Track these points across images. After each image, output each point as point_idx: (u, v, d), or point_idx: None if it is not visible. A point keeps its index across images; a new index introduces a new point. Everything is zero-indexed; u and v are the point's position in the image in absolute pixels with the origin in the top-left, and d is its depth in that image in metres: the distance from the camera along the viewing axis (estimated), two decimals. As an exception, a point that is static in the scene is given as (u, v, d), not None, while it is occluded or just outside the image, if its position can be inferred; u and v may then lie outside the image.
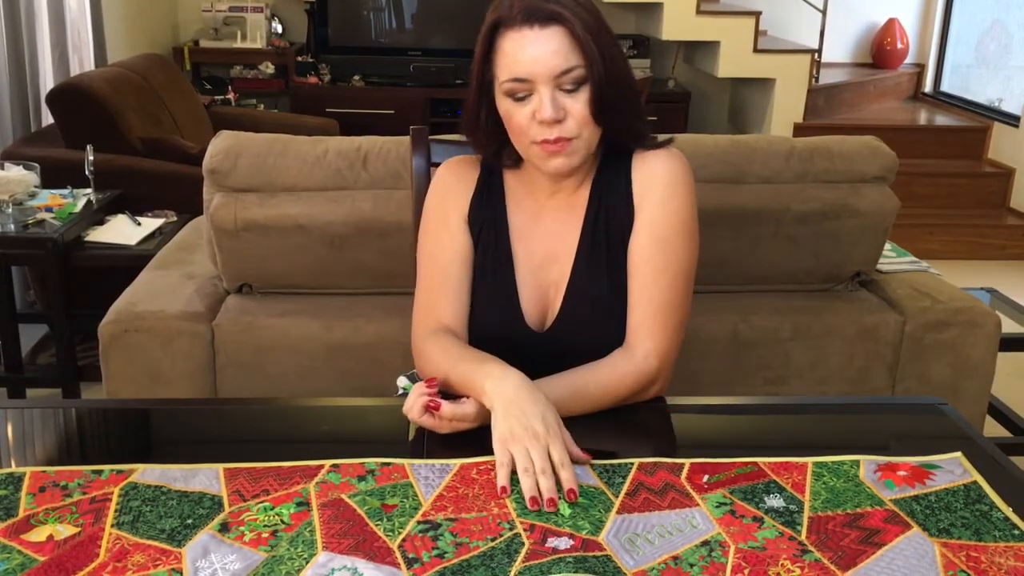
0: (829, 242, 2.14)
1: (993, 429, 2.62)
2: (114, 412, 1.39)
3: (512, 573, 0.93)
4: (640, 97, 1.34)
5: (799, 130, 4.90)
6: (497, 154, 1.37)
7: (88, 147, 2.94)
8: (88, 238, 2.83)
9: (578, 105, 1.22)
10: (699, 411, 1.39)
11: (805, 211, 2.10)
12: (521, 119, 1.23)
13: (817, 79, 5.11)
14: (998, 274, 4.20)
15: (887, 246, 2.39)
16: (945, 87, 5.88)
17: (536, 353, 1.35)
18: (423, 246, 1.40)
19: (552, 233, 1.36)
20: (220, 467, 1.13)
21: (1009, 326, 2.52)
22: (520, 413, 1.12)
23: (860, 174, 2.13)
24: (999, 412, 2.67)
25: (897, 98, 5.91)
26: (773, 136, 2.30)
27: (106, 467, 1.13)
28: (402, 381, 1.68)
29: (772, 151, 2.13)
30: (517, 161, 1.36)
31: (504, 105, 1.25)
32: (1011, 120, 5.00)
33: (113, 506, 1.05)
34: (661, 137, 1.39)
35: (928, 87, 5.95)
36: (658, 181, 1.32)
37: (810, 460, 1.16)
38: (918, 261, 2.42)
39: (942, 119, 5.46)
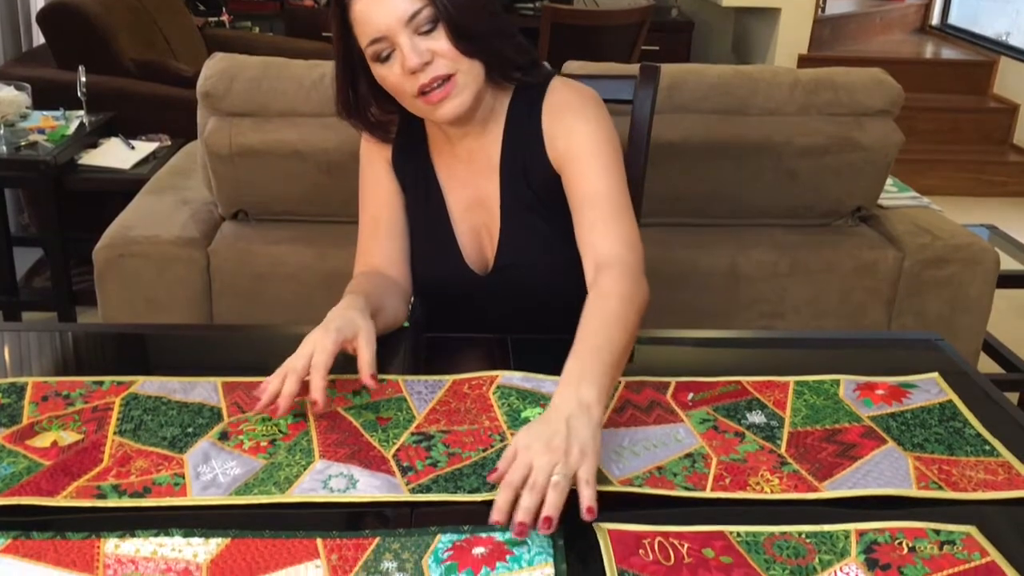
0: (831, 176, 2.12)
1: (987, 366, 2.63)
2: (111, 336, 1.39)
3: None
4: (508, 21, 1.30)
5: (803, 62, 4.83)
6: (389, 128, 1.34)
7: (80, 68, 2.89)
8: (81, 161, 2.80)
9: (440, 43, 1.18)
10: (694, 344, 1.39)
11: (807, 144, 2.08)
12: (395, 78, 1.20)
13: (823, 9, 5.02)
14: (999, 211, 4.18)
15: (889, 181, 2.37)
16: (953, 20, 5.79)
17: (485, 296, 1.37)
18: (359, 194, 1.40)
19: (474, 177, 1.34)
20: (218, 380, 1.16)
21: (1008, 263, 2.51)
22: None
23: (864, 107, 2.10)
24: (993, 349, 2.68)
25: (903, 31, 5.82)
26: (777, 67, 2.26)
27: (107, 378, 1.16)
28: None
29: (776, 83, 2.09)
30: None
31: (378, 72, 1.22)
32: (1018, 55, 4.93)
33: (115, 415, 1.09)
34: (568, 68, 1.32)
35: (936, 19, 5.86)
36: (566, 117, 1.28)
37: (792, 379, 1.20)
38: (919, 197, 2.41)
39: (948, 52, 5.39)
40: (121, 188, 2.60)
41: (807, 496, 0.98)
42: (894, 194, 2.39)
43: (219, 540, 0.89)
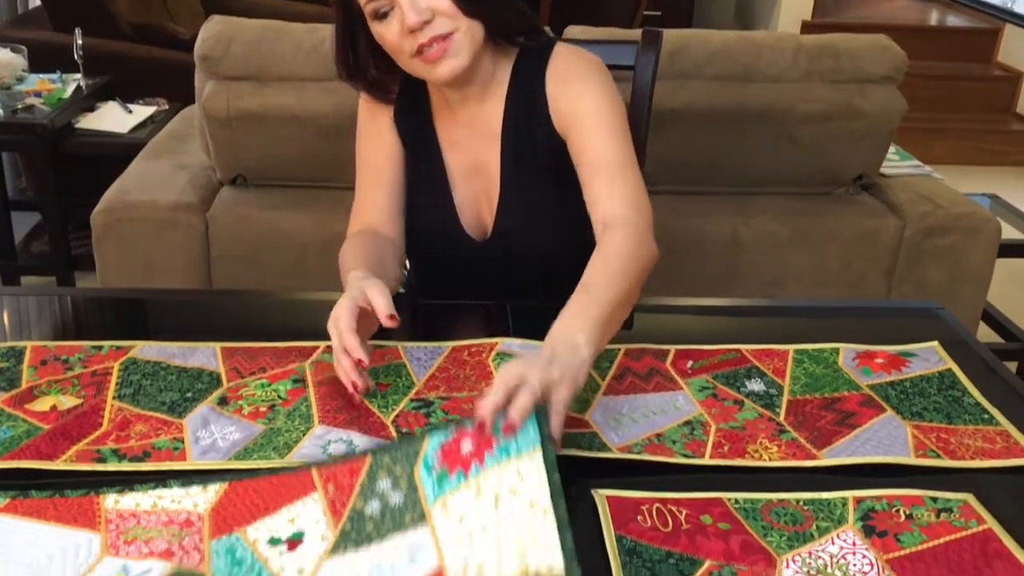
0: (833, 144, 2.11)
1: (986, 336, 2.63)
2: (109, 300, 1.39)
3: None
4: None
5: (807, 28, 4.79)
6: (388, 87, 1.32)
7: (76, 31, 2.86)
8: (78, 125, 2.78)
9: (440, 1, 1.16)
10: (694, 312, 1.39)
11: (810, 111, 2.06)
12: (393, 36, 1.18)
13: (827, -25, 4.98)
14: (1001, 180, 4.16)
15: (891, 149, 2.35)
16: (958, -14, 5.73)
17: (481, 263, 1.36)
18: (357, 150, 1.38)
19: (475, 143, 1.33)
20: (217, 345, 1.16)
21: (1009, 233, 2.51)
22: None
23: (868, 73, 2.08)
24: (992, 319, 2.68)
25: (908, -4, 5.77)
26: (780, 33, 2.24)
27: (105, 343, 1.16)
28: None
29: (779, 49, 2.07)
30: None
31: (376, 30, 1.20)
32: (1023, 22, 4.88)
33: (114, 379, 1.09)
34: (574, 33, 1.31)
35: (940, -14, 5.80)
36: (572, 83, 1.27)
37: (791, 347, 1.20)
38: (921, 165, 2.39)
39: (953, 20, 5.34)
40: (118, 152, 2.59)
41: (805, 464, 0.98)
42: (896, 162, 2.38)
43: (217, 487, 0.89)
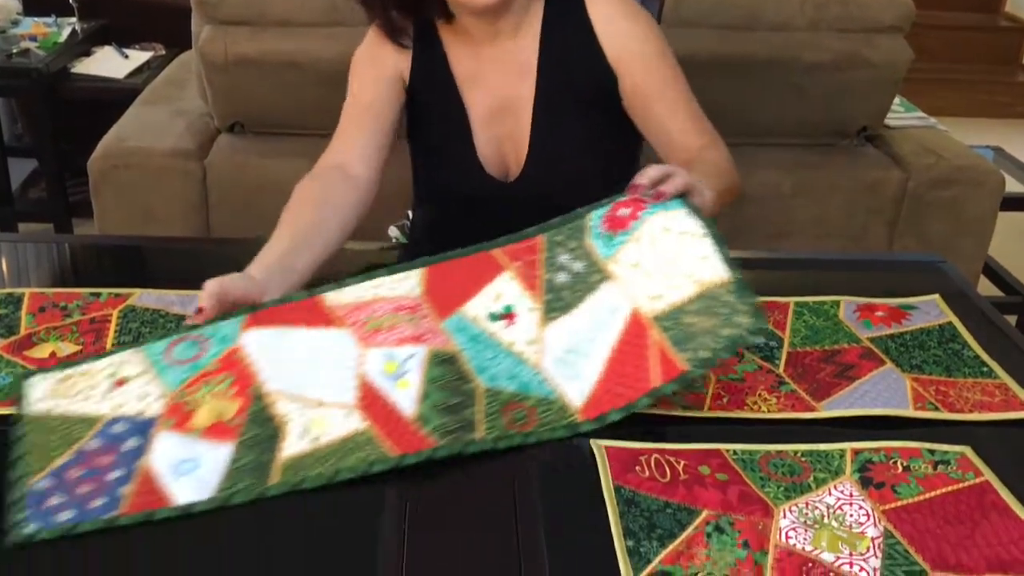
0: (838, 94, 2.09)
1: (986, 289, 2.63)
2: (107, 248, 1.39)
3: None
4: None
5: (812, -24, 4.71)
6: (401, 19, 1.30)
7: (71, -27, 2.82)
8: (74, 70, 2.75)
9: None
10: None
11: (816, 61, 2.04)
12: None
13: (835, -79, 4.88)
14: (1005, 133, 4.13)
15: (896, 101, 2.33)
16: (967, -66, 5.63)
17: (504, 204, 1.33)
18: (349, 89, 1.35)
19: (501, 83, 1.31)
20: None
21: (1012, 186, 2.49)
22: None
23: (875, 22, 2.05)
24: (993, 272, 2.67)
25: (916, -55, 5.66)
26: (787, -20, 2.20)
27: (104, 290, 1.16)
28: (392, 231, 1.66)
29: (786, -4, 2.04)
30: (447, 16, 1.29)
31: None
32: (1033, -28, 4.81)
33: (112, 327, 1.08)
34: None
35: (949, -66, 5.69)
36: (623, 21, 1.29)
37: (792, 300, 1.19)
38: (926, 117, 2.37)
39: (961, -31, 5.25)
40: (115, 98, 2.56)
41: (804, 416, 0.98)
42: (901, 114, 2.36)
43: (416, 273, 1.03)
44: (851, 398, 1.00)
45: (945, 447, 0.93)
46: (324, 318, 0.98)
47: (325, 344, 0.95)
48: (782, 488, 0.87)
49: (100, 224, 2.04)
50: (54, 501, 0.81)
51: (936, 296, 1.21)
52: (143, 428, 0.89)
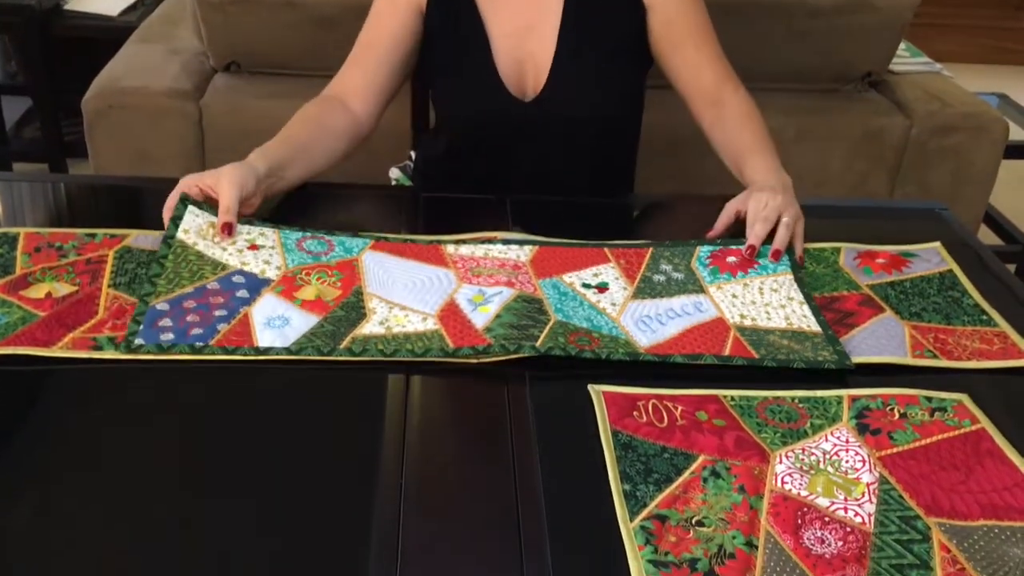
0: (842, 39, 2.05)
1: (986, 238, 2.62)
2: (103, 188, 1.38)
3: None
4: None
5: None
6: None
7: (62, -94, 2.75)
8: (67, 7, 2.71)
9: None
10: (695, 207, 1.37)
11: (820, 4, 2.00)
12: None
13: None
14: (1011, 79, 4.08)
15: (901, 46, 2.30)
16: None
17: (523, 123, 1.36)
18: (367, 19, 1.37)
19: (526, 4, 1.33)
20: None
21: (1017, 133, 2.47)
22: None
23: (882, -35, 2.01)
24: (993, 220, 2.67)
25: None
26: (793, -80, 2.15)
27: (99, 231, 1.15)
28: (394, 172, 1.65)
29: (792, -63, 2.00)
30: None
31: None
32: (1044, -86, 4.72)
33: (109, 268, 1.08)
34: None
35: None
36: None
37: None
38: (931, 63, 2.34)
39: (971, -90, 5.15)
40: (109, 36, 2.51)
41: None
42: (906, 59, 2.32)
43: (529, 248, 1.14)
44: (849, 345, 1.00)
45: (943, 394, 0.93)
46: (439, 259, 1.11)
47: (430, 276, 1.08)
48: (779, 434, 0.87)
49: (95, 164, 2.02)
50: (163, 323, 0.97)
51: (937, 244, 1.21)
52: (257, 285, 1.04)
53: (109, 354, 0.94)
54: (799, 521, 0.78)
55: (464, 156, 1.44)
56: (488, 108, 1.36)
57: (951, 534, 0.78)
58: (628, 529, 0.76)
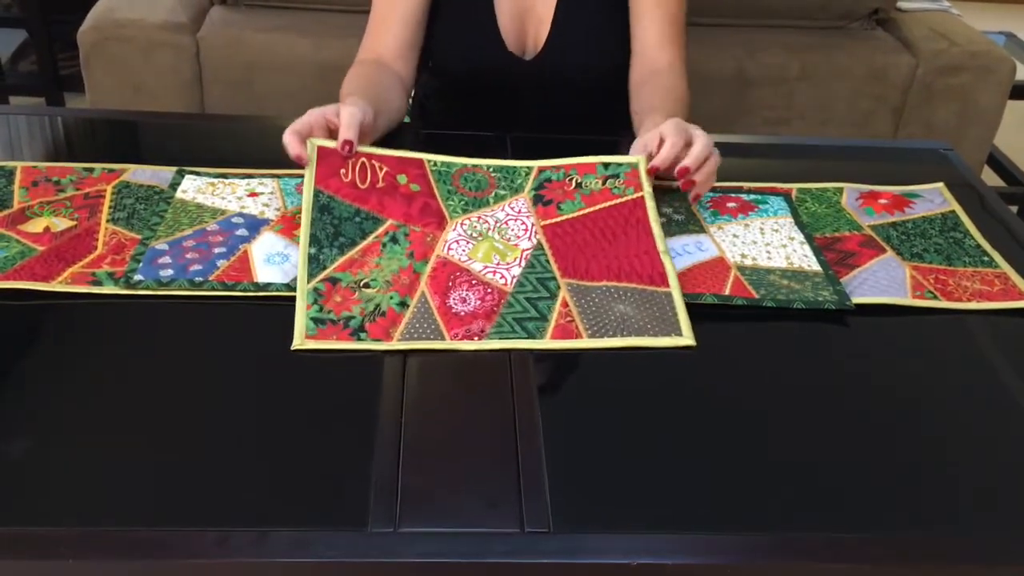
0: (850, -25, 2.02)
1: (989, 179, 2.61)
2: (100, 122, 1.36)
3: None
4: None
5: None
6: None
7: None
8: (60, -63, 2.65)
9: None
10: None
11: (829, -61, 1.96)
12: None
13: None
14: (1019, 17, 4.02)
15: (910, -18, 2.26)
16: None
17: (522, 81, 1.35)
18: None
19: None
20: (212, 171, 1.15)
21: (1022, 73, 2.44)
22: None
23: (893, -101, 1.97)
24: (997, 162, 2.65)
25: None
26: None
27: (97, 165, 1.14)
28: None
29: None
30: None
31: None
32: None
33: (107, 202, 1.07)
34: None
35: None
36: None
37: (794, 186, 1.19)
38: (940, 0, 2.30)
39: None
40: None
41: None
42: (914, -4, 2.29)
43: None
44: (850, 286, 1.00)
45: (619, 159, 1.01)
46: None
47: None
48: (463, 202, 0.96)
49: (91, 98, 2.00)
50: (163, 260, 0.97)
51: (940, 184, 1.20)
52: (256, 225, 1.03)
53: (108, 289, 0.94)
54: (450, 283, 0.88)
55: (461, 99, 1.42)
56: (485, 62, 1.34)
57: (574, 292, 0.88)
58: (303, 290, 0.89)
